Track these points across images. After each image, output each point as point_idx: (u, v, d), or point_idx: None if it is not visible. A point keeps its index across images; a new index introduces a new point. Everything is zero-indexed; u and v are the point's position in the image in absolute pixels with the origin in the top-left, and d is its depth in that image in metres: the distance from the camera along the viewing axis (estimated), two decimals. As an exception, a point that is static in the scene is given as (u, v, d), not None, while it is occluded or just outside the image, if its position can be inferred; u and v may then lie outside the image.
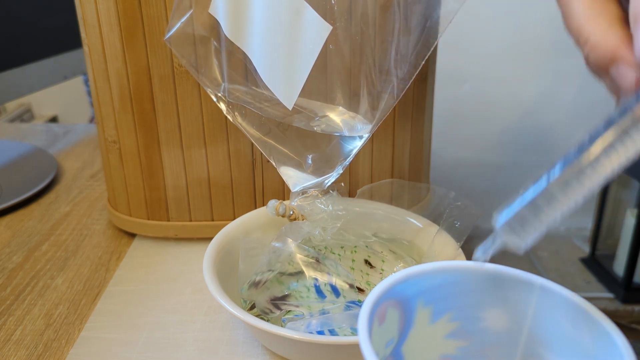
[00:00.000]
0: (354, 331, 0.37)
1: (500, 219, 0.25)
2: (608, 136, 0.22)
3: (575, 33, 0.26)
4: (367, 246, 0.45)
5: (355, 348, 0.32)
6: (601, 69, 0.25)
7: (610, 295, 1.34)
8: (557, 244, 1.56)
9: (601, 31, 0.24)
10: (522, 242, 0.24)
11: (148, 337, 0.40)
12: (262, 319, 0.37)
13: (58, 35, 0.71)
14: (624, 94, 0.25)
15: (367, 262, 0.45)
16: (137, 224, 0.52)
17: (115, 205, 0.53)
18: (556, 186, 0.23)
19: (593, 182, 0.22)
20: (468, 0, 0.37)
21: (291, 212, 0.42)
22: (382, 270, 0.44)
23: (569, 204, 0.23)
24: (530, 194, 0.24)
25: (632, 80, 0.24)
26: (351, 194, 0.49)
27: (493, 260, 0.26)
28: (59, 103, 1.94)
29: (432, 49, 0.38)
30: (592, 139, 0.22)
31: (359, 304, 0.41)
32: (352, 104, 0.42)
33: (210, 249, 0.40)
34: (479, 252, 0.26)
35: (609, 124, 0.22)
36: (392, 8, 0.39)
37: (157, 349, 0.39)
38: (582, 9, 0.25)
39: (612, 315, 1.27)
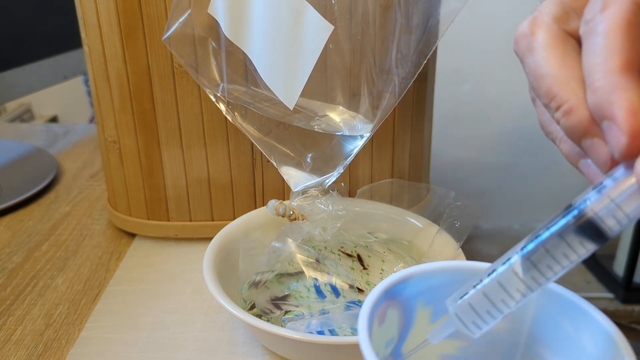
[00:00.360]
0: (354, 331, 0.37)
1: (452, 306, 0.24)
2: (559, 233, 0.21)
3: (544, 94, 0.23)
4: (367, 246, 0.45)
5: (355, 348, 0.31)
6: (573, 137, 0.22)
7: (610, 295, 1.34)
8: (557, 244, 1.55)
9: (576, 98, 0.21)
10: (476, 330, 0.24)
11: (148, 337, 0.40)
12: (262, 319, 0.37)
13: (58, 35, 0.71)
14: (590, 172, 0.23)
15: (359, 258, 0.45)
16: (137, 224, 0.52)
17: (115, 205, 0.53)
18: (511, 279, 0.22)
19: (544, 282, 0.22)
20: (468, -1, 0.37)
21: (291, 212, 0.42)
22: (382, 270, 0.44)
23: (522, 298, 0.23)
24: (483, 283, 0.23)
25: (606, 157, 0.21)
26: (351, 194, 0.49)
27: (493, 260, 0.26)
28: (59, 103, 1.94)
29: (433, 48, 0.38)
30: (550, 230, 0.22)
31: (359, 304, 0.41)
32: (352, 104, 0.42)
33: (210, 249, 0.40)
34: (431, 334, 0.26)
35: (565, 214, 0.21)
36: (393, 7, 0.39)
37: (157, 349, 0.39)
38: (552, 68, 0.22)
39: (612, 315, 1.27)
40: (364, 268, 0.45)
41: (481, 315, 0.23)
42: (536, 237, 0.22)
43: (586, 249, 0.21)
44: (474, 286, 0.24)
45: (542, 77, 0.23)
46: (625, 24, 0.20)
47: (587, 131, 0.21)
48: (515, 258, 0.23)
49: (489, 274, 0.23)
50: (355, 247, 0.45)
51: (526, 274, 0.22)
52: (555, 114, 0.22)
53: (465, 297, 0.24)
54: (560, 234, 0.21)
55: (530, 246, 0.22)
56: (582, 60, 0.21)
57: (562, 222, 0.21)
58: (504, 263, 0.23)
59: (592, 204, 0.20)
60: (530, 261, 0.22)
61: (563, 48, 0.23)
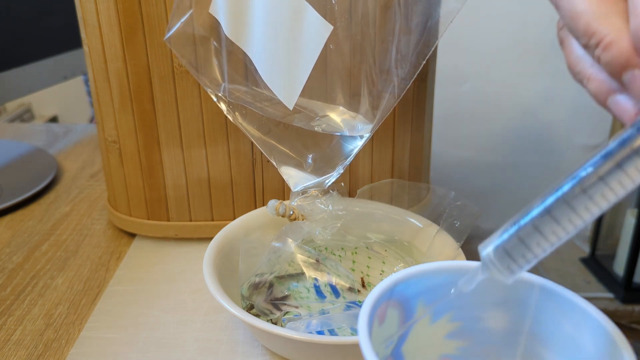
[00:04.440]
0: (354, 331, 0.37)
1: (485, 249, 0.24)
2: (604, 169, 0.21)
3: (582, 33, 0.23)
4: (367, 247, 0.45)
5: (355, 348, 0.32)
6: (614, 71, 0.22)
7: (610, 295, 1.34)
8: (557, 244, 1.55)
9: (617, 30, 0.21)
10: (509, 274, 0.23)
11: (148, 337, 0.40)
12: (261, 319, 0.37)
13: (58, 35, 0.71)
14: (620, 109, 0.23)
15: (362, 281, 0.45)
16: (137, 224, 0.52)
17: (115, 205, 0.53)
18: (548, 218, 0.22)
19: (586, 216, 0.21)
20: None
21: (291, 212, 0.42)
22: (382, 270, 0.44)
23: (561, 236, 0.22)
24: (518, 224, 0.23)
25: None
26: (351, 194, 0.49)
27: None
28: (59, 103, 1.94)
29: (433, 48, 0.38)
30: (587, 170, 0.21)
31: (358, 304, 0.41)
32: (352, 104, 0.42)
33: (210, 249, 0.40)
34: (461, 281, 0.25)
35: (606, 156, 0.21)
36: (393, 7, 0.39)
37: (157, 349, 0.39)
38: (590, 5, 0.22)
39: (612, 315, 1.27)
40: (364, 287, 0.45)
41: (516, 260, 0.23)
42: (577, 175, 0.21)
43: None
44: (507, 230, 0.23)
45: (580, 16, 0.23)
46: None
47: (628, 63, 0.21)
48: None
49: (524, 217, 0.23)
50: (356, 248, 0.45)
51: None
52: (596, 50, 0.22)
53: (501, 236, 0.23)
54: (618, 164, 0.21)
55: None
56: None
57: (616, 150, 0.21)
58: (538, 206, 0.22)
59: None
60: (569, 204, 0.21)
61: None
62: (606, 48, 0.22)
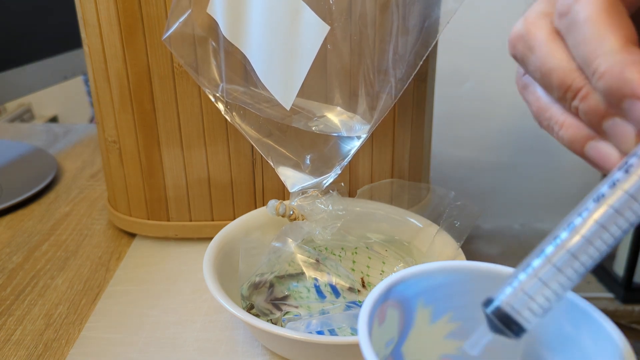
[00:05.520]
0: (354, 331, 0.37)
1: (490, 305, 0.22)
2: (597, 215, 0.20)
3: (557, 87, 0.22)
4: (367, 247, 0.45)
5: (355, 348, 0.31)
6: (592, 120, 0.22)
7: (610, 295, 1.34)
8: (557, 244, 1.55)
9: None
10: (518, 330, 0.22)
11: (148, 337, 0.40)
12: (261, 319, 0.37)
13: (58, 35, 0.71)
14: (600, 154, 0.22)
15: (362, 281, 0.45)
16: (137, 224, 0.52)
17: (115, 205, 0.53)
18: (549, 271, 0.21)
19: (587, 264, 0.21)
20: None
21: (291, 212, 0.42)
22: (382, 270, 0.44)
23: (565, 287, 0.21)
24: (520, 278, 0.22)
25: (631, 134, 0.20)
26: (351, 194, 0.49)
27: (493, 260, 0.26)
28: (59, 103, 1.94)
29: (430, 48, 0.38)
30: (582, 216, 0.20)
31: (358, 304, 0.41)
32: (350, 104, 0.42)
33: (210, 249, 0.40)
34: (468, 344, 0.23)
35: (597, 199, 0.20)
36: (391, 8, 0.39)
37: (157, 349, 0.39)
38: (560, 61, 0.22)
39: (612, 315, 1.27)
40: (364, 287, 0.45)
41: (522, 314, 0.22)
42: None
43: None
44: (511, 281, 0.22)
45: (551, 71, 0.23)
46: (606, 6, 0.20)
47: (607, 112, 0.21)
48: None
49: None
50: (356, 248, 0.45)
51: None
52: (573, 102, 0.22)
53: (504, 291, 0.22)
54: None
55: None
56: (574, 52, 0.22)
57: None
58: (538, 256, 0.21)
59: (621, 183, 0.20)
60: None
61: (563, 41, 0.23)
62: (583, 99, 0.22)
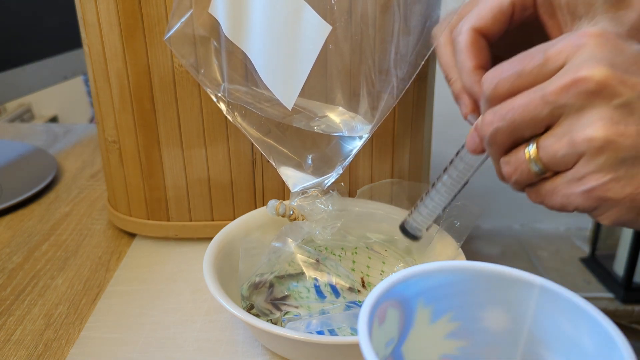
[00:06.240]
0: (354, 331, 0.37)
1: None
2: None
3: (443, 73, 0.37)
4: (367, 247, 0.45)
5: (355, 348, 0.32)
6: (455, 94, 0.36)
7: (610, 295, 1.34)
8: (557, 244, 1.56)
9: (457, 76, 0.36)
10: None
11: (148, 337, 0.40)
12: (261, 319, 0.37)
13: (58, 35, 0.71)
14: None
15: (362, 281, 0.45)
16: (137, 224, 0.52)
17: (115, 205, 0.53)
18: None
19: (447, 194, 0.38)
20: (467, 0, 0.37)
21: (291, 212, 0.42)
22: (382, 270, 0.44)
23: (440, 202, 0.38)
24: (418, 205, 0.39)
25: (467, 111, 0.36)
26: (351, 194, 0.49)
27: (493, 260, 0.26)
28: (59, 103, 1.94)
29: (432, 48, 0.38)
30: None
31: (358, 304, 0.41)
32: (352, 104, 0.42)
33: (210, 249, 0.40)
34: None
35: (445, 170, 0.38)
36: (392, 8, 0.39)
37: (157, 349, 0.39)
38: (445, 60, 0.37)
39: (612, 315, 1.27)
40: (364, 287, 0.45)
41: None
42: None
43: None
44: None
45: (442, 64, 0.37)
46: (472, 41, 0.33)
47: (461, 91, 0.35)
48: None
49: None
50: (356, 248, 0.45)
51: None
52: (449, 83, 0.37)
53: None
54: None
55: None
56: (455, 56, 0.34)
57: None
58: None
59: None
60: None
61: (452, 47, 0.35)
62: (451, 84, 0.36)
